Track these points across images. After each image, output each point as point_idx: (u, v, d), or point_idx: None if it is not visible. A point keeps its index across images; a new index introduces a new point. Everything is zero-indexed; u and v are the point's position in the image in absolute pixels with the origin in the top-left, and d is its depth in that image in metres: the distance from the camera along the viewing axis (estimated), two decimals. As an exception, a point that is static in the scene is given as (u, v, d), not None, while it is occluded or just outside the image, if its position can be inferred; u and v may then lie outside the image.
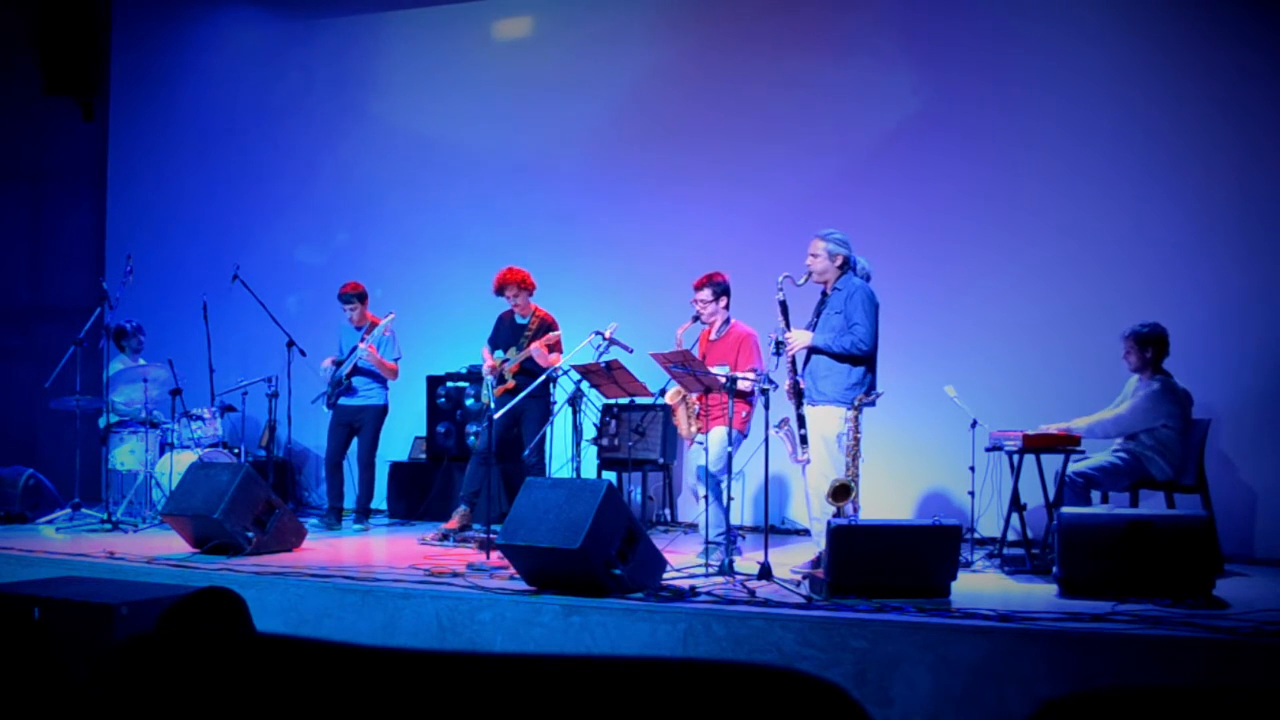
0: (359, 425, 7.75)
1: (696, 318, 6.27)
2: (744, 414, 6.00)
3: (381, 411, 7.79)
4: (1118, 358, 6.16)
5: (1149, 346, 6.00)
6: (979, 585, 5.29)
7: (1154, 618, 4.36)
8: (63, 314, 9.76)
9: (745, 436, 6.09)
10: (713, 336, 6.31)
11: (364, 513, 7.75)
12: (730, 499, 5.67)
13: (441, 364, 8.64)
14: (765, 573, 5.15)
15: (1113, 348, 6.19)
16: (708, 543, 5.77)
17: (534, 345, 6.99)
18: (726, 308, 6.29)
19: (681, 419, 6.24)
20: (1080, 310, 7.12)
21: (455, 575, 5.34)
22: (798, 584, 5.04)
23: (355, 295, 7.76)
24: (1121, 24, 7.28)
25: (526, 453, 6.81)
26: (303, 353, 7.80)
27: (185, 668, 1.54)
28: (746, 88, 8.24)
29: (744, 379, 5.87)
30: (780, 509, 7.78)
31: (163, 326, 8.63)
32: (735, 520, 6.18)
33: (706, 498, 5.98)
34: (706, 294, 6.24)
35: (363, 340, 7.61)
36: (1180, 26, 7.18)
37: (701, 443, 6.09)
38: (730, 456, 5.54)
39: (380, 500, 8.31)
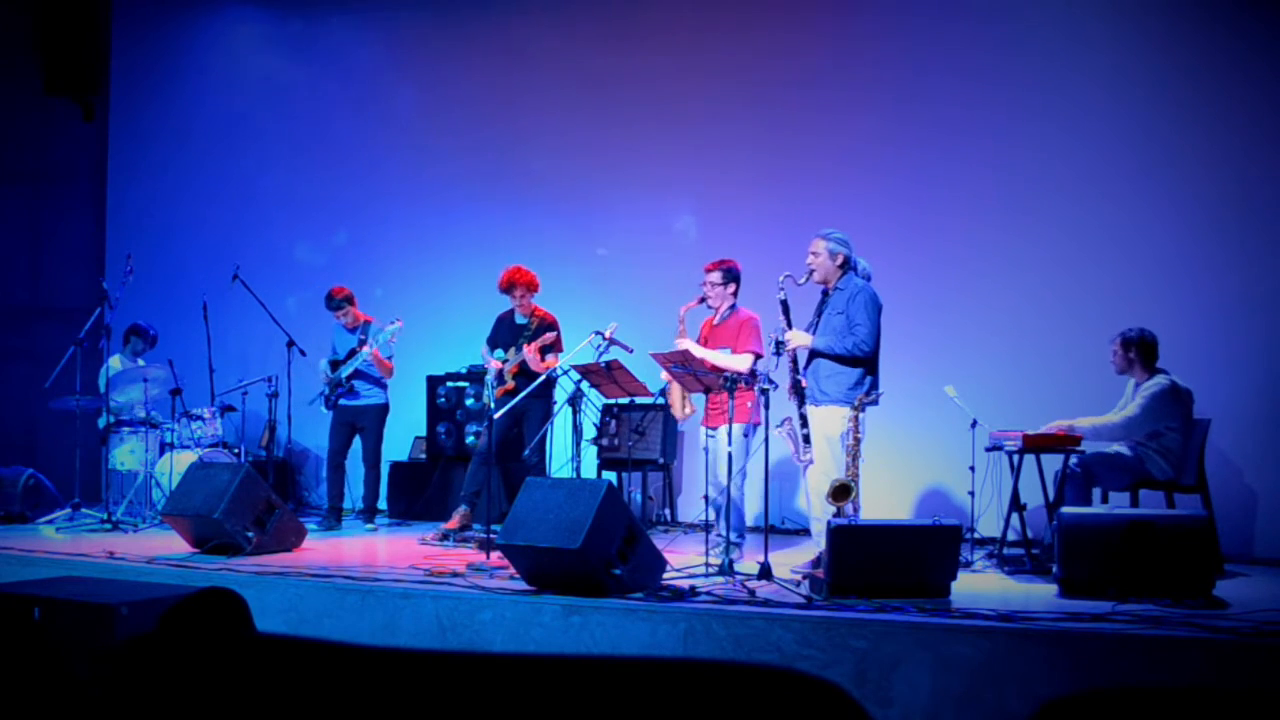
0: (362, 425, 7.74)
1: (703, 300, 6.22)
2: (748, 404, 5.86)
3: (383, 410, 7.79)
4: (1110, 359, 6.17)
5: (1131, 348, 6.03)
6: (979, 585, 5.29)
7: (1154, 618, 4.35)
8: (63, 314, 9.75)
9: (758, 424, 5.89)
10: (716, 321, 6.27)
11: (370, 512, 7.75)
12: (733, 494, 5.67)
13: (441, 364, 8.64)
14: (765, 573, 5.15)
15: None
16: (728, 542, 5.72)
17: (528, 349, 6.98)
18: (735, 294, 6.21)
19: (675, 398, 6.21)
20: (1080, 310, 7.12)
21: (455, 575, 5.34)
22: (798, 584, 5.04)
23: (344, 299, 7.74)
24: (1121, 26, 7.28)
25: (527, 452, 6.81)
26: (303, 353, 7.80)
27: (185, 668, 1.54)
28: (748, 89, 8.24)
29: (741, 363, 5.83)
30: (781, 509, 7.78)
31: (163, 326, 8.63)
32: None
33: (707, 497, 5.97)
34: (716, 276, 6.18)
35: (361, 342, 7.60)
36: (1180, 29, 7.18)
37: (710, 436, 6.04)
38: (731, 456, 5.53)
39: (380, 500, 8.31)
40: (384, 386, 7.80)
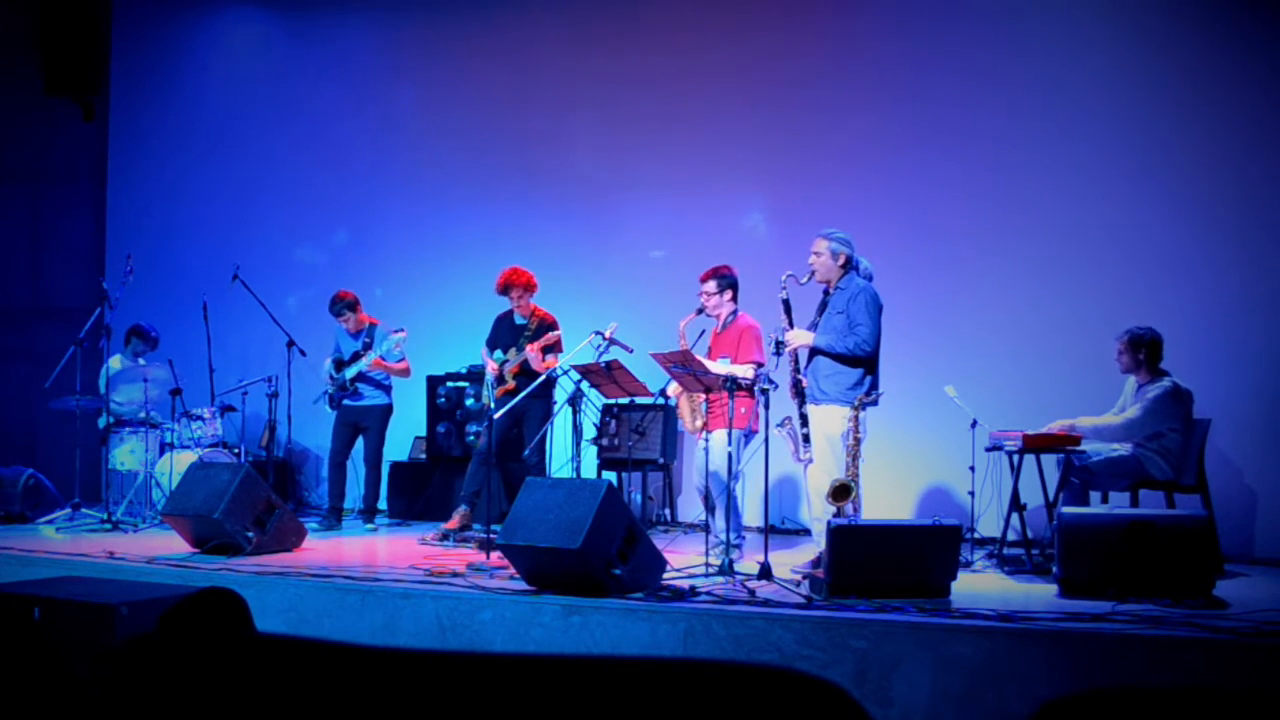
0: (365, 426, 7.74)
1: (701, 310, 6.20)
2: (743, 410, 5.88)
3: (387, 411, 7.80)
4: (1115, 358, 6.16)
5: (1141, 349, 6.01)
6: (979, 585, 5.29)
7: (1154, 618, 4.36)
8: (63, 314, 9.75)
9: (754, 433, 5.91)
10: (719, 329, 6.26)
11: (370, 512, 7.75)
12: (732, 496, 5.66)
13: (441, 364, 8.64)
14: (765, 573, 5.14)
15: (1112, 348, 6.18)
16: (728, 542, 5.71)
17: (530, 349, 6.98)
18: (734, 300, 6.19)
19: (685, 412, 6.20)
20: (1080, 311, 7.12)
21: (455, 575, 5.34)
22: (798, 584, 5.04)
23: (345, 304, 7.73)
24: (1121, 26, 7.28)
25: (527, 452, 6.80)
26: (303, 353, 7.80)
27: (185, 668, 1.54)
28: (748, 88, 8.24)
29: (741, 372, 5.82)
30: (781, 509, 7.78)
31: (163, 326, 8.62)
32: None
33: (708, 497, 5.97)
34: (711, 286, 6.16)
35: (364, 348, 7.60)
36: (1180, 29, 7.18)
37: (707, 439, 6.03)
38: (731, 457, 5.53)
39: (380, 500, 8.31)
40: (387, 388, 7.81)
